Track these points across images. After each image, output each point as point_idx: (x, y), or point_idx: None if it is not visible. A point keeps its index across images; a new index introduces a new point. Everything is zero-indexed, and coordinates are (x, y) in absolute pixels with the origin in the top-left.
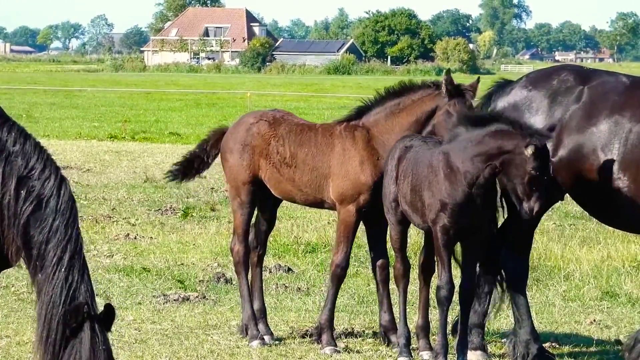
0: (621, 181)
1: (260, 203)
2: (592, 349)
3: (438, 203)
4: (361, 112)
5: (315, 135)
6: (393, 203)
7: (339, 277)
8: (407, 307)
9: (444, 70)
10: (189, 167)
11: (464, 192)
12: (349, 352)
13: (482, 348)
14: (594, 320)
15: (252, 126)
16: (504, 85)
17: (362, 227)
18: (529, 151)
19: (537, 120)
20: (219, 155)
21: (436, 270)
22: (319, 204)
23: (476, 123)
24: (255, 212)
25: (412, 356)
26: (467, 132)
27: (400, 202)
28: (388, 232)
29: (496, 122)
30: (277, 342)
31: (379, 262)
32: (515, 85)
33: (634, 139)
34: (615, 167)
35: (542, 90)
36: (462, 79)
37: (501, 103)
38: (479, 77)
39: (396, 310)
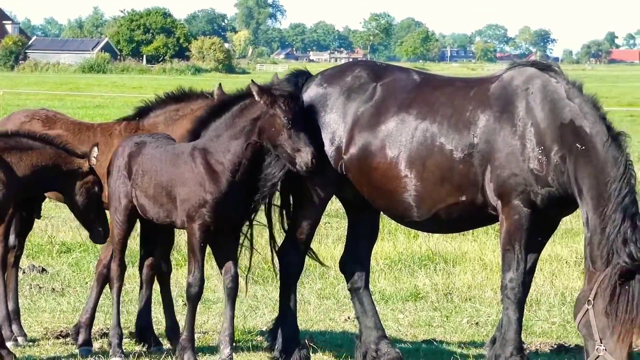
0: (408, 179)
1: (21, 203)
2: (346, 346)
3: (199, 200)
4: (141, 112)
5: (93, 135)
6: (124, 200)
7: (104, 276)
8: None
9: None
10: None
11: (228, 181)
12: (103, 353)
13: None
14: (348, 318)
15: (23, 125)
16: (296, 77)
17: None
18: (276, 106)
19: (333, 117)
20: None
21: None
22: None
23: (221, 109)
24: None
25: (124, 356)
26: (214, 122)
27: (136, 197)
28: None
29: (242, 99)
30: (30, 343)
31: (148, 261)
32: (311, 84)
33: (419, 136)
34: (402, 165)
35: (337, 88)
36: (219, 78)
37: None
38: (220, 84)
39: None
